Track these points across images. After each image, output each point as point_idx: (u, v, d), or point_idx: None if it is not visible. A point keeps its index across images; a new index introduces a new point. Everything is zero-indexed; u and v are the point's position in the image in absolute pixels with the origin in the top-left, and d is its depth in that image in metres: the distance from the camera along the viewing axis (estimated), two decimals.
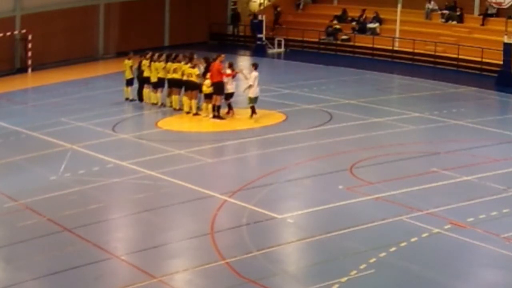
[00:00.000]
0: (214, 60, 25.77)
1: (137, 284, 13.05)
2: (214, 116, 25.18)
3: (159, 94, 27.41)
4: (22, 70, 37.46)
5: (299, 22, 43.90)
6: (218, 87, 25.06)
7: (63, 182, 18.91)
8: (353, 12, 42.52)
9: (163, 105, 27.30)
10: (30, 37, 37.51)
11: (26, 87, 33.64)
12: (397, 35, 39.23)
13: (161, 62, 27.08)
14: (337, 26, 42.15)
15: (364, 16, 41.70)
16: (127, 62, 28.52)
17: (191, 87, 25.76)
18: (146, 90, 27.87)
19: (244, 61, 41.11)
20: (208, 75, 25.34)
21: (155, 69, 27.12)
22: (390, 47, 39.08)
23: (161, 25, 44.64)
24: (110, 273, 13.79)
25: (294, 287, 13.37)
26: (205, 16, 45.58)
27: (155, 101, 27.54)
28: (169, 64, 26.67)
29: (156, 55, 27.56)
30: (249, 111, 25.29)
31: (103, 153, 21.43)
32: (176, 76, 26.22)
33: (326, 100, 28.26)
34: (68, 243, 15.02)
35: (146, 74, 27.52)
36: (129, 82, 28.59)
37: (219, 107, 25.17)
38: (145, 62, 27.57)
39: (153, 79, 27.26)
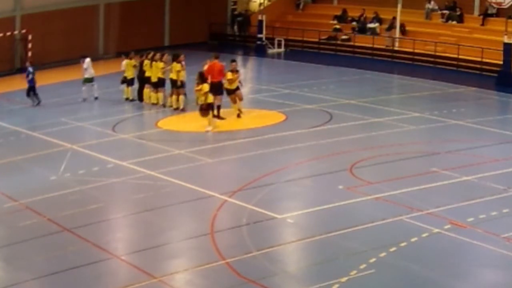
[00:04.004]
0: (215, 59, 25.83)
1: (137, 284, 13.05)
2: (214, 116, 25.16)
3: (159, 94, 27.41)
4: (22, 70, 37.43)
5: (299, 22, 43.92)
6: (218, 87, 25.04)
7: (63, 182, 18.92)
8: (353, 12, 42.54)
9: (163, 105, 27.30)
10: (30, 37, 37.53)
11: (26, 87, 33.61)
12: (397, 35, 39.24)
13: (163, 62, 27.12)
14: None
15: (364, 16, 41.73)
16: (129, 62, 28.54)
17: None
18: (147, 90, 27.88)
19: (244, 61, 41.17)
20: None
21: (156, 69, 27.14)
22: (390, 47, 39.08)
23: (161, 25, 44.65)
24: (110, 273, 13.80)
25: (294, 287, 13.38)
26: (205, 16, 45.58)
27: (155, 101, 27.53)
28: (174, 64, 26.66)
29: (158, 55, 27.59)
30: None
31: (103, 153, 21.44)
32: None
33: (326, 100, 28.26)
34: (68, 243, 15.02)
35: (147, 74, 27.54)
36: (130, 82, 28.60)
37: (219, 107, 25.16)
38: (146, 62, 27.60)
39: (154, 79, 27.27)
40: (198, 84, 24.05)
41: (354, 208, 16.71)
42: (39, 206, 17.16)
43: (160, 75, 27.01)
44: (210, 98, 23.83)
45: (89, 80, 28.83)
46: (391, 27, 39.57)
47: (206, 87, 23.80)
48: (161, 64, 27.00)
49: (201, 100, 23.94)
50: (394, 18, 39.27)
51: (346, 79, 33.93)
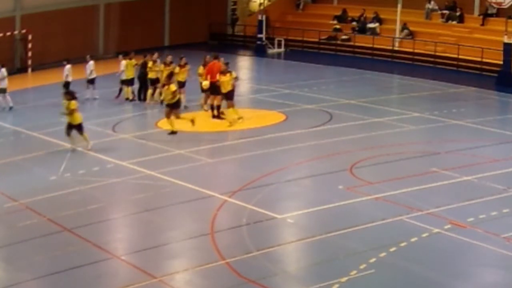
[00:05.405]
0: (214, 59, 25.82)
1: (137, 284, 13.05)
2: (214, 116, 25.16)
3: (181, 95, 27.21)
4: (22, 70, 37.46)
5: (299, 22, 43.94)
6: (217, 87, 25.00)
7: (63, 182, 18.91)
8: (353, 12, 42.55)
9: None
10: (30, 37, 37.54)
11: (26, 87, 33.63)
12: (397, 35, 39.25)
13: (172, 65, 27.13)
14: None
15: (364, 16, 41.73)
16: (129, 62, 28.53)
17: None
18: (151, 91, 27.85)
19: (244, 61, 41.17)
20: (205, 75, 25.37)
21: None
22: (390, 47, 39.10)
23: (161, 25, 44.67)
24: (110, 273, 13.80)
25: (294, 287, 13.38)
26: (205, 16, 45.60)
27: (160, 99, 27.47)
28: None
29: (170, 57, 27.53)
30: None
31: (103, 153, 21.44)
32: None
33: (326, 100, 28.27)
34: (68, 243, 15.02)
35: (151, 75, 27.43)
36: (130, 82, 28.59)
37: (218, 107, 25.15)
38: (150, 64, 27.53)
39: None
40: (69, 99, 21.82)
41: (354, 208, 16.71)
42: (39, 206, 17.15)
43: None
44: (78, 118, 21.74)
45: (3, 91, 27.84)
46: (404, 28, 39.40)
47: (73, 104, 21.71)
48: (176, 69, 26.78)
49: (68, 118, 21.81)
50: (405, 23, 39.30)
51: (346, 79, 33.94)
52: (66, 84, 28.36)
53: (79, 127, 21.81)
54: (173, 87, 23.80)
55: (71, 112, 21.68)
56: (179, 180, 18.76)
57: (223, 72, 24.67)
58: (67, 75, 28.54)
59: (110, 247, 14.78)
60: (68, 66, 28.59)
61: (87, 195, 17.99)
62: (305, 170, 20.02)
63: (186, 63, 27.10)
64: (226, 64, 25.27)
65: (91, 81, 29.04)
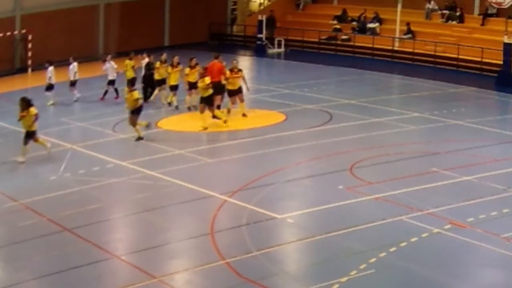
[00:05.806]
0: (215, 59, 25.81)
1: (137, 284, 13.05)
2: (214, 116, 25.15)
3: (189, 96, 27.03)
4: (22, 70, 37.46)
5: (299, 22, 43.94)
6: (217, 87, 25.01)
7: (63, 182, 18.92)
8: (353, 12, 42.55)
9: (176, 106, 27.12)
10: (30, 37, 37.54)
11: (26, 87, 33.60)
12: (397, 35, 39.25)
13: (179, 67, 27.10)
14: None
15: (364, 16, 41.73)
16: (129, 62, 28.51)
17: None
18: (157, 92, 27.81)
19: (244, 61, 41.15)
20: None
21: (176, 74, 27.08)
22: (390, 47, 39.10)
23: (161, 25, 44.67)
24: (110, 273, 13.80)
25: (294, 287, 13.38)
26: (205, 16, 45.59)
27: (169, 101, 27.42)
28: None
29: (176, 58, 27.52)
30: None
31: (103, 153, 21.44)
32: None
33: (326, 100, 28.28)
34: (68, 243, 15.02)
35: (157, 76, 27.35)
36: (130, 82, 28.53)
37: (218, 107, 25.15)
38: (158, 65, 27.47)
39: (174, 82, 27.08)
40: (23, 110, 21.02)
41: (354, 208, 16.71)
42: (39, 206, 17.15)
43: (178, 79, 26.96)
44: (35, 126, 21.07)
45: None
46: (409, 31, 39.34)
47: (33, 110, 20.95)
48: (187, 70, 26.70)
49: (28, 126, 21.04)
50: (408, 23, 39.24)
51: (346, 79, 33.94)
52: (49, 87, 28.30)
53: (34, 134, 21.09)
54: (137, 94, 23.10)
55: (36, 119, 21.02)
56: (179, 180, 18.76)
57: (201, 77, 24.55)
58: (50, 77, 28.42)
59: (110, 247, 14.78)
60: (50, 68, 28.44)
61: (87, 195, 17.99)
62: (305, 170, 20.02)
63: (197, 64, 26.92)
64: (205, 69, 24.94)
65: (74, 83, 28.90)
